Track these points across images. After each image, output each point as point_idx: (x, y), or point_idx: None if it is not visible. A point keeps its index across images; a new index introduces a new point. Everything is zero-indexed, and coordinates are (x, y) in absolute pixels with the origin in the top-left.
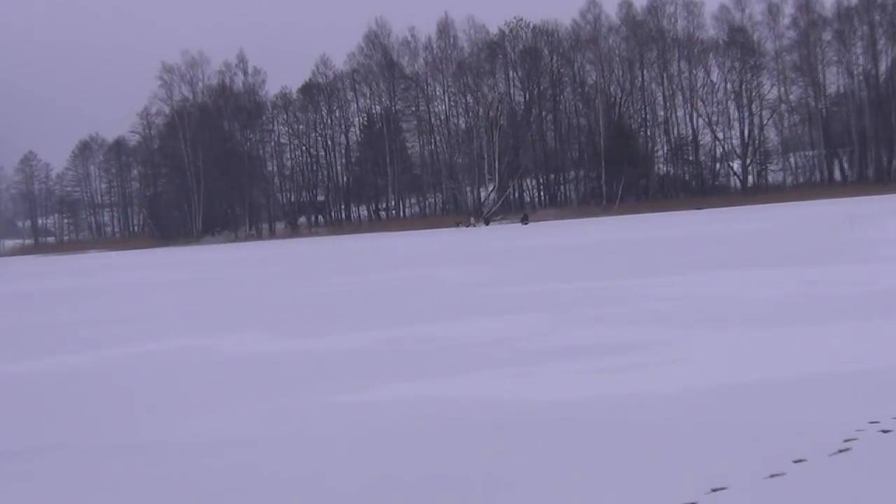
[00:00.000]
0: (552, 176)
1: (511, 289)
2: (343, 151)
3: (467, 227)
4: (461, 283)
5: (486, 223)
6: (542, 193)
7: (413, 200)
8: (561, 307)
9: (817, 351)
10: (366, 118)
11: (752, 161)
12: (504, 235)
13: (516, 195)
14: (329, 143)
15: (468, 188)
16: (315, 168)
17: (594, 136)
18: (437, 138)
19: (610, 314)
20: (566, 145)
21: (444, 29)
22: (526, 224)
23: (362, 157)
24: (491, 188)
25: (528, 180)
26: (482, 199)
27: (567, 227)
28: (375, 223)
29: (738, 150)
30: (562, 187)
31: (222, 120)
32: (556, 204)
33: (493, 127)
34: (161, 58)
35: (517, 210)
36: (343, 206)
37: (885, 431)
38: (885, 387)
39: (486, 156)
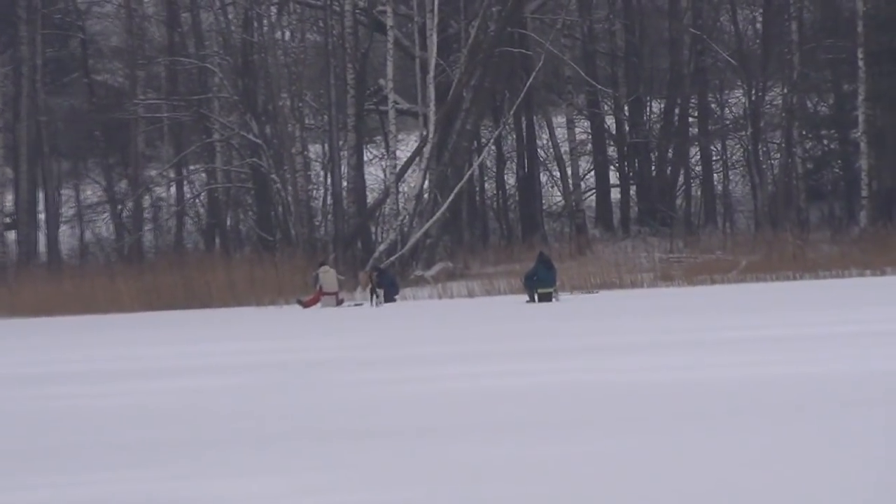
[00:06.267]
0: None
1: None
2: None
3: (333, 304)
4: None
5: (383, 294)
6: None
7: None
8: None
9: None
10: None
11: None
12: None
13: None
14: None
15: (322, 145)
16: None
17: None
18: None
19: None
20: None
21: None
22: (550, 299)
23: None
24: (413, 160)
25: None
26: (381, 200)
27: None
28: None
29: None
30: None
31: None
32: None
33: None
34: None
35: (520, 242)
36: None
37: None
38: None
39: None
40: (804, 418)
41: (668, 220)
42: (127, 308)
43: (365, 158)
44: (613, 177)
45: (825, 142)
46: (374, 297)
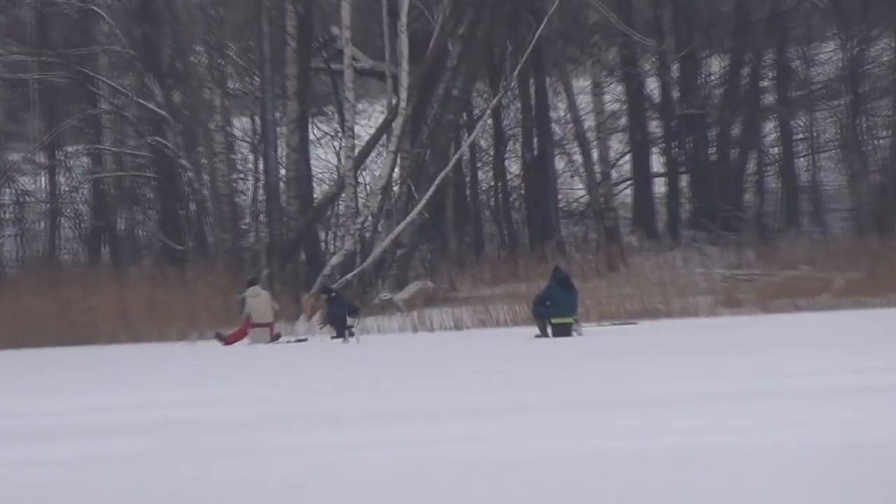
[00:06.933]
0: None
1: None
2: None
3: (266, 339)
4: None
5: (342, 332)
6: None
7: None
8: None
9: None
10: None
11: None
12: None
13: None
14: None
15: (252, 118)
16: None
17: None
18: None
19: None
20: None
21: None
22: (569, 333)
23: None
24: (379, 138)
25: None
26: (334, 195)
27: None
28: None
29: None
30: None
31: None
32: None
33: None
34: None
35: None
36: None
37: None
38: None
39: None
40: None
41: (733, 224)
42: None
43: (311, 137)
44: (657, 163)
45: None
46: (347, 332)
